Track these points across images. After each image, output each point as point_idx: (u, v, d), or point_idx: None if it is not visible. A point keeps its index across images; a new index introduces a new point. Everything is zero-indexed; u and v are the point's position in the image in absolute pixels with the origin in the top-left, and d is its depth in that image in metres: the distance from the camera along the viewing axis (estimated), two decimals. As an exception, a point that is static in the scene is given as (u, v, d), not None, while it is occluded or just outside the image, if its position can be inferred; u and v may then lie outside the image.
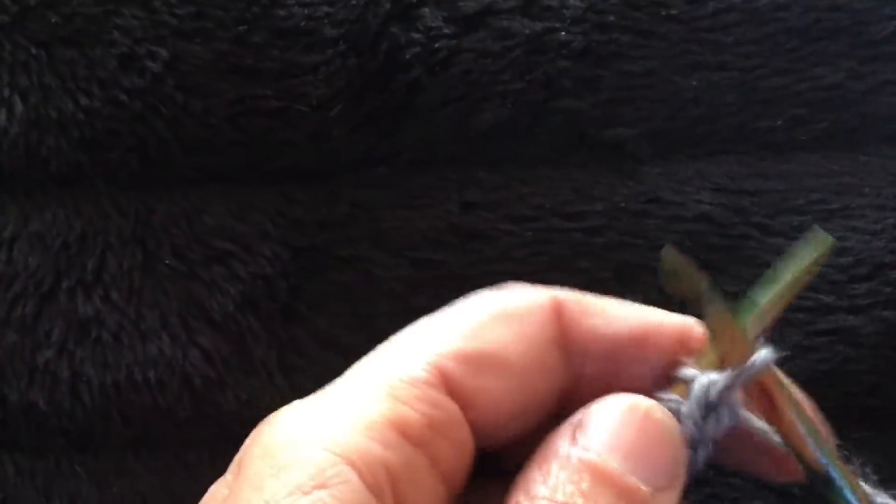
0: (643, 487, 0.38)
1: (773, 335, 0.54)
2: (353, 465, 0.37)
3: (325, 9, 0.62)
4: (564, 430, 0.40)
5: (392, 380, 0.40)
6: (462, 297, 0.56)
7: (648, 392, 0.42)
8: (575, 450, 0.39)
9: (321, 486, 0.36)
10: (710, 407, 0.43)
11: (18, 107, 0.62)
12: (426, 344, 0.42)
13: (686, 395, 0.42)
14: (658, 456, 0.39)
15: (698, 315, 0.43)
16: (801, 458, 0.43)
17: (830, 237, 0.44)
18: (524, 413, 0.43)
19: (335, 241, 0.60)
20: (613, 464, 0.38)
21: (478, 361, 0.41)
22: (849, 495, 0.44)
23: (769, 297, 0.44)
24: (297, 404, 0.41)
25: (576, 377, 0.44)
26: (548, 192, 0.60)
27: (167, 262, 0.61)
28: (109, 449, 0.60)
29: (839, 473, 0.44)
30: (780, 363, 0.42)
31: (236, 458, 0.40)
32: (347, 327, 0.59)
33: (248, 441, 0.40)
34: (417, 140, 0.61)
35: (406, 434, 0.39)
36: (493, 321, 0.42)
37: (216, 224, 0.61)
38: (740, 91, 0.60)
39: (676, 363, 0.43)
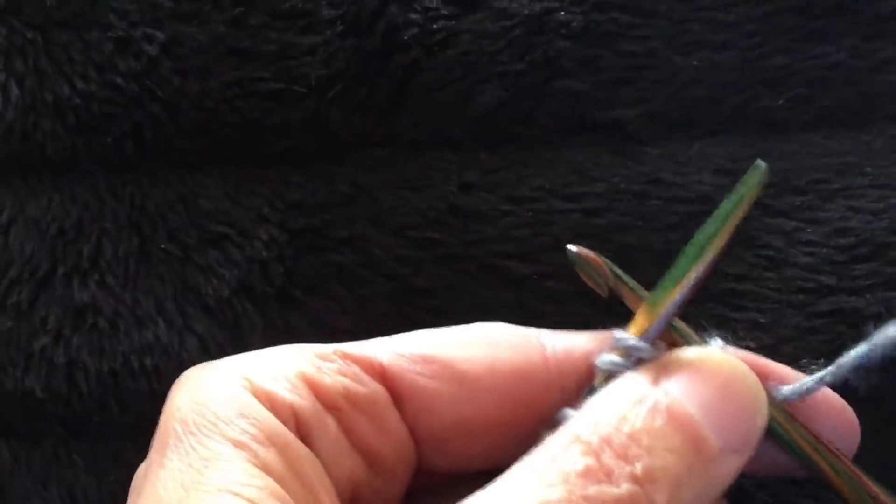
0: (714, 442, 0.38)
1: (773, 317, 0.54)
2: (261, 400, 0.40)
3: (323, -10, 0.61)
4: (645, 374, 0.40)
5: (321, 351, 0.43)
6: (461, 277, 0.56)
7: None
8: (655, 391, 0.39)
9: (238, 416, 0.39)
10: None
11: (14, 91, 0.62)
12: (381, 340, 0.44)
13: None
14: (740, 416, 0.40)
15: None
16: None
17: (764, 165, 0.44)
18: (477, 430, 0.43)
19: (333, 222, 0.59)
20: (692, 409, 0.38)
21: (424, 362, 0.43)
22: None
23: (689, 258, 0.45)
24: (219, 360, 0.43)
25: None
26: (547, 174, 0.59)
27: (163, 246, 0.60)
28: (106, 436, 0.59)
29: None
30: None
31: (164, 407, 0.42)
32: (344, 311, 0.58)
33: (171, 389, 0.43)
34: (416, 121, 0.60)
35: (317, 393, 0.41)
36: (462, 340, 0.44)
37: (212, 207, 0.60)
38: (742, 70, 0.59)
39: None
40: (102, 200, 0.61)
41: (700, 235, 0.45)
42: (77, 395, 0.59)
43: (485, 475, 0.41)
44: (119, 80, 0.61)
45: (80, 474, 0.59)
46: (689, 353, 0.41)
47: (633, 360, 0.42)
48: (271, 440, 0.38)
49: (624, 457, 0.37)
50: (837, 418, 0.46)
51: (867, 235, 0.56)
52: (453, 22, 0.60)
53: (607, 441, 0.37)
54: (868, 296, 0.55)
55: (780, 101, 0.58)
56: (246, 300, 0.59)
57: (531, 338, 0.45)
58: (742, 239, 0.56)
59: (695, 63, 0.59)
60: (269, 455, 0.38)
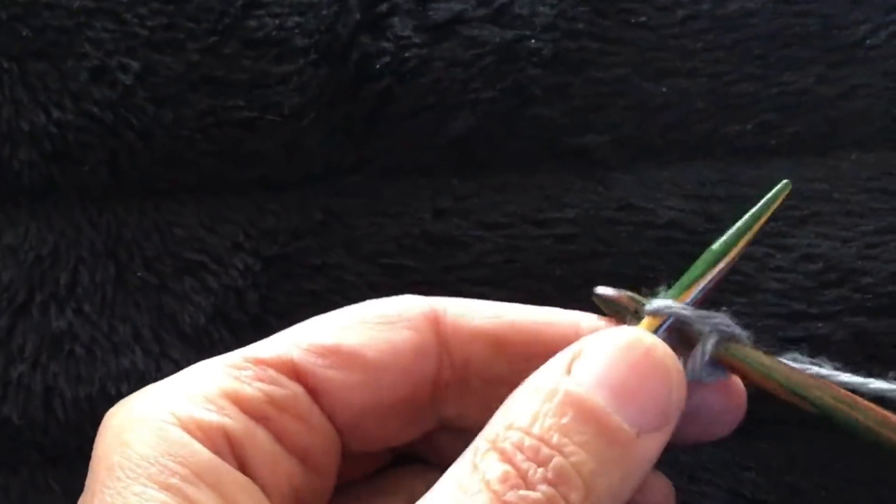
0: (627, 428, 0.38)
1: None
2: (191, 432, 0.38)
3: (296, 19, 0.61)
4: (560, 359, 0.40)
5: (234, 361, 0.42)
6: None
7: None
8: (566, 380, 0.38)
9: (164, 454, 0.37)
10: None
11: (-10, 120, 0.61)
12: (284, 336, 0.44)
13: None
14: (651, 396, 0.39)
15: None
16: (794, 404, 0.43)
17: (788, 183, 0.45)
18: (388, 414, 0.44)
19: (307, 249, 0.59)
20: (600, 399, 0.38)
21: (330, 353, 0.42)
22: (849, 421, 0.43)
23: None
24: (140, 390, 0.42)
25: (460, 385, 0.45)
26: (519, 199, 0.58)
27: (139, 274, 0.59)
28: (83, 463, 0.58)
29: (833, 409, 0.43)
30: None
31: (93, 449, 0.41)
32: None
33: (99, 429, 0.41)
34: (389, 148, 0.60)
35: (243, 406, 0.40)
36: (360, 323, 0.44)
37: (187, 235, 0.60)
38: (710, 97, 0.58)
39: None
40: (79, 228, 0.60)
41: (717, 243, 0.44)
42: (54, 422, 0.59)
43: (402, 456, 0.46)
44: (94, 109, 0.60)
45: (57, 500, 0.58)
46: (601, 334, 0.41)
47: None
48: (201, 477, 0.37)
49: (536, 459, 0.37)
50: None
51: (835, 261, 0.56)
52: (425, 50, 0.60)
53: (519, 446, 0.37)
54: (836, 322, 0.55)
55: (749, 127, 0.58)
56: (222, 327, 0.58)
57: (424, 311, 0.45)
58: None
59: (664, 90, 0.59)
60: (201, 494, 0.37)
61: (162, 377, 0.57)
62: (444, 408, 0.45)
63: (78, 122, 0.61)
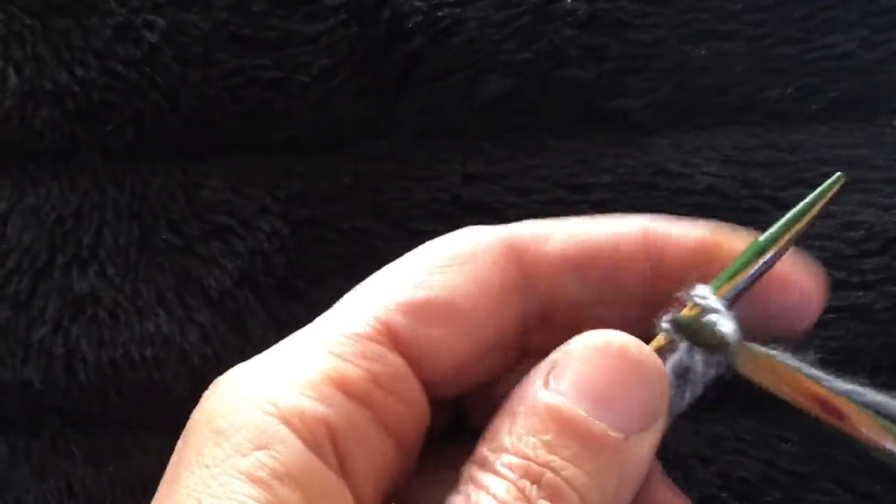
0: (612, 433, 0.37)
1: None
2: (290, 424, 0.36)
3: (326, -23, 0.59)
4: (538, 372, 0.39)
5: (333, 336, 0.39)
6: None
7: (640, 321, 0.41)
8: (545, 394, 0.38)
9: (259, 448, 0.35)
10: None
11: (12, 78, 0.60)
12: (371, 298, 0.41)
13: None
14: (632, 397, 0.38)
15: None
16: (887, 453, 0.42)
17: (841, 175, 0.41)
18: (479, 360, 0.42)
19: (336, 213, 0.57)
20: (580, 410, 0.37)
21: (424, 311, 0.40)
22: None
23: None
24: (238, 368, 0.40)
25: (544, 314, 0.43)
26: (553, 164, 0.57)
27: (164, 237, 0.58)
28: (105, 428, 0.57)
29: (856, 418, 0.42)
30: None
31: (185, 428, 0.39)
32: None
33: (195, 409, 0.39)
34: (420, 111, 0.58)
35: (347, 391, 0.38)
36: (439, 268, 0.41)
37: (214, 198, 0.58)
38: (750, 60, 0.57)
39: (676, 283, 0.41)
40: (102, 189, 0.59)
41: (764, 236, 0.43)
42: (76, 386, 0.57)
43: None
44: (119, 68, 0.59)
45: (78, 466, 0.57)
46: (574, 340, 0.39)
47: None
48: (292, 474, 0.35)
49: (528, 476, 0.36)
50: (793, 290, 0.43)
51: (877, 230, 0.54)
52: (458, 10, 0.58)
53: (509, 466, 0.36)
54: (878, 290, 0.54)
55: (789, 92, 0.57)
56: (248, 291, 0.57)
57: (501, 241, 0.42)
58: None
59: (702, 53, 0.57)
60: (288, 492, 0.35)
61: (186, 342, 0.57)
62: (530, 338, 0.43)
63: (102, 80, 0.59)
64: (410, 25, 0.58)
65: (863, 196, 0.55)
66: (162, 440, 0.56)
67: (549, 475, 0.36)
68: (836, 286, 0.54)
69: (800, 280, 0.43)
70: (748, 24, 0.57)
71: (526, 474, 0.36)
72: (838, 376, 0.42)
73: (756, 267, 0.41)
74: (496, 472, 0.36)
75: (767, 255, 0.41)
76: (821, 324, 0.53)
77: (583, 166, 0.57)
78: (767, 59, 0.57)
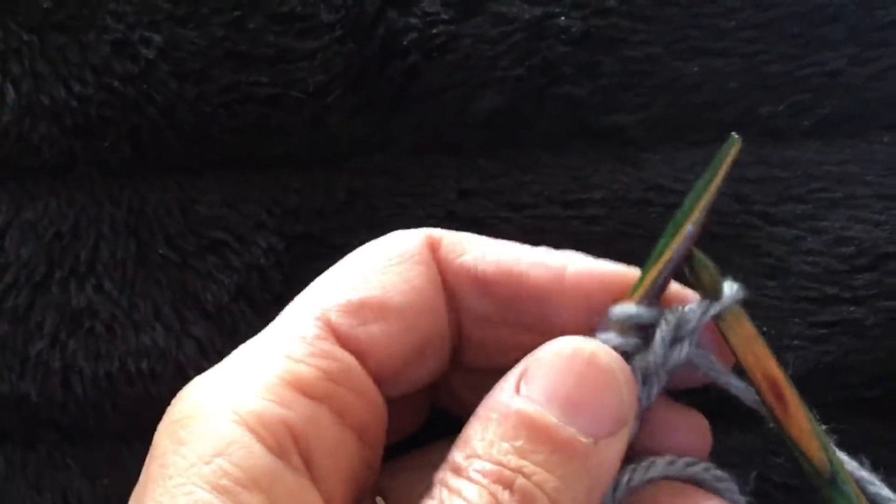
0: (582, 439, 0.38)
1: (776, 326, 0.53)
2: (251, 429, 0.37)
3: (322, -7, 0.59)
4: (509, 379, 0.40)
5: (284, 340, 0.40)
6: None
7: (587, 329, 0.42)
8: (516, 400, 0.38)
9: (220, 454, 0.36)
10: (677, 339, 0.43)
11: (10, 94, 0.59)
12: (314, 301, 0.42)
13: (620, 331, 0.43)
14: (600, 403, 0.39)
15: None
16: (805, 456, 0.42)
17: (737, 138, 0.44)
18: (418, 355, 0.43)
19: (331, 229, 0.57)
20: (550, 416, 0.38)
21: (361, 310, 0.41)
22: (850, 493, 0.42)
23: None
24: (200, 377, 0.41)
25: (472, 315, 0.44)
26: (547, 180, 0.57)
27: (161, 251, 0.58)
28: (101, 441, 0.57)
29: (843, 474, 0.43)
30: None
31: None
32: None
33: (164, 416, 0.40)
34: (415, 127, 0.58)
35: (303, 390, 0.39)
36: (372, 269, 0.43)
37: (210, 213, 0.58)
38: (742, 77, 0.57)
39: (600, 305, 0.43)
40: (100, 204, 0.59)
41: (679, 212, 0.43)
42: (72, 400, 0.57)
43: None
44: (116, 84, 0.59)
45: (74, 478, 0.57)
46: (544, 348, 0.40)
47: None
48: (256, 480, 0.36)
49: (501, 482, 0.37)
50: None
51: (868, 245, 0.54)
52: (453, 27, 0.58)
53: (482, 472, 0.37)
54: (869, 306, 0.54)
55: (781, 108, 0.57)
56: (244, 305, 0.57)
57: (426, 242, 0.45)
58: (743, 246, 0.55)
59: (695, 69, 0.57)
60: (253, 499, 0.36)
61: (183, 356, 0.57)
62: (454, 341, 0.45)
63: (99, 96, 0.59)
64: (405, 42, 0.58)
65: (854, 212, 0.55)
66: (158, 454, 0.57)
67: (520, 480, 0.37)
68: (827, 301, 0.54)
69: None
70: (740, 42, 0.57)
71: (498, 480, 0.36)
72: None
73: (678, 245, 0.44)
74: (469, 478, 0.37)
75: (687, 229, 0.44)
76: (813, 339, 0.54)
77: (577, 182, 0.57)
78: (759, 76, 0.57)
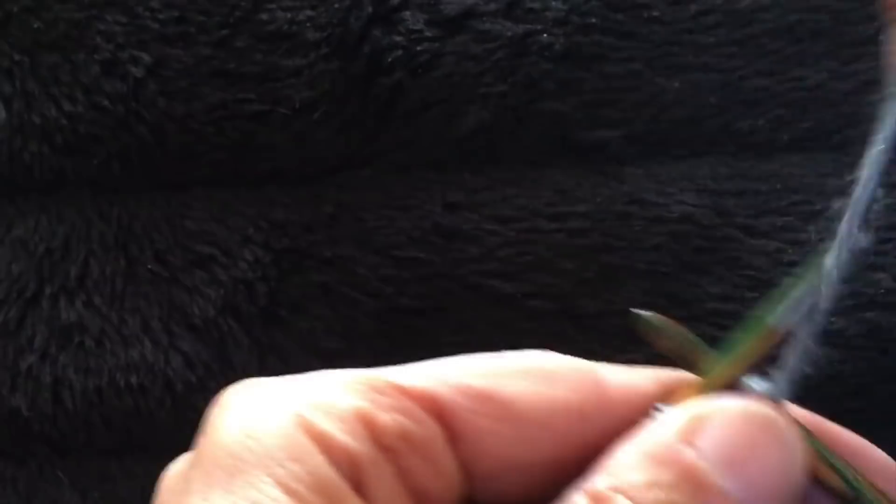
0: None
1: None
2: (321, 445, 0.35)
3: (308, 12, 0.59)
4: (678, 423, 0.36)
5: (374, 382, 0.37)
6: (446, 297, 0.54)
7: None
8: (687, 451, 0.35)
9: (291, 459, 0.34)
10: None
11: (2, 113, 0.60)
12: (432, 369, 0.39)
13: None
14: (772, 478, 0.36)
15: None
16: (824, 486, 0.41)
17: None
18: (528, 470, 0.40)
19: (318, 242, 0.57)
20: (720, 478, 0.35)
21: (482, 400, 0.38)
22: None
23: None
24: (266, 379, 0.38)
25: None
26: (531, 194, 0.57)
27: (149, 267, 0.58)
28: (92, 455, 0.57)
29: (866, 492, 0.41)
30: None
31: (205, 425, 0.36)
32: (329, 330, 0.56)
33: (215, 408, 0.37)
34: (400, 143, 0.58)
35: (373, 433, 0.36)
36: (517, 374, 0.39)
37: (198, 228, 0.58)
38: (722, 92, 0.56)
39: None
40: (89, 221, 0.59)
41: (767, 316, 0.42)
42: (63, 414, 0.57)
43: None
44: (105, 102, 0.59)
45: (65, 492, 0.57)
46: (728, 402, 0.37)
47: None
48: (325, 491, 0.34)
49: None
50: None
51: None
52: (437, 44, 0.58)
53: None
54: (850, 317, 0.54)
55: (761, 122, 0.56)
56: (231, 319, 0.57)
57: (586, 373, 0.41)
58: (724, 259, 0.55)
59: (676, 85, 0.57)
60: None
61: (171, 369, 0.57)
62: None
63: (89, 114, 0.59)
64: (390, 60, 0.58)
65: (835, 224, 0.55)
66: (146, 466, 0.56)
67: None
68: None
69: None
70: (720, 57, 0.57)
71: None
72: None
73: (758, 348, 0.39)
74: None
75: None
76: (794, 349, 0.53)
77: (560, 196, 0.57)
78: (740, 91, 0.57)
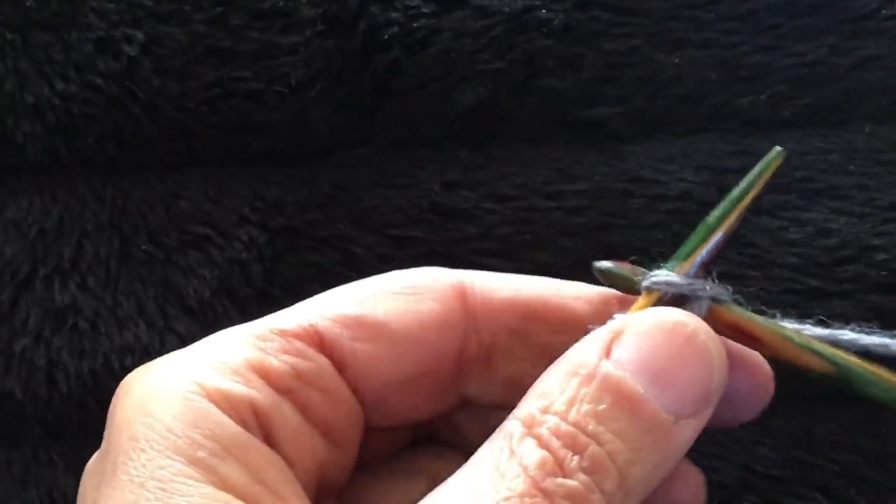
0: (664, 415, 0.36)
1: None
2: (218, 404, 0.36)
3: (303, -11, 0.58)
4: (598, 338, 0.37)
5: (259, 331, 0.39)
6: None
7: None
8: (606, 364, 0.36)
9: (191, 427, 0.35)
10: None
11: (-7, 92, 0.59)
12: (309, 306, 0.41)
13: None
14: (691, 382, 0.37)
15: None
16: (807, 371, 0.40)
17: (781, 150, 0.42)
18: (413, 386, 0.41)
19: (314, 221, 0.56)
20: (639, 386, 0.36)
21: (357, 325, 0.40)
22: (866, 375, 0.40)
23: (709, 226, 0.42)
24: (162, 357, 0.39)
25: (488, 357, 0.42)
26: (529, 172, 0.55)
27: (144, 248, 0.57)
28: (86, 437, 0.56)
29: (851, 364, 0.40)
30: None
31: (109, 413, 0.38)
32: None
33: (116, 394, 0.38)
34: (397, 120, 0.57)
35: (268, 379, 0.38)
36: (386, 294, 0.41)
37: (193, 209, 0.57)
38: (723, 68, 0.55)
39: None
40: (83, 202, 0.58)
41: (711, 215, 0.42)
42: (57, 396, 0.56)
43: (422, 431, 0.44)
44: (99, 81, 0.58)
45: (59, 475, 0.56)
46: (644, 315, 0.38)
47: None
48: (230, 450, 0.35)
49: (573, 446, 0.35)
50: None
51: (851, 238, 0.53)
52: (434, 20, 0.57)
53: (556, 432, 0.35)
54: (854, 299, 0.53)
55: (762, 99, 0.55)
56: (227, 300, 0.56)
57: (450, 284, 0.42)
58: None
59: (676, 61, 0.56)
60: (230, 469, 0.34)
61: (166, 351, 0.55)
62: (466, 384, 0.43)
63: (82, 94, 0.58)
64: (387, 37, 0.57)
65: (837, 203, 0.54)
66: (141, 449, 0.55)
67: (594, 447, 0.35)
68: (812, 294, 0.53)
69: (754, 367, 0.42)
70: (721, 33, 0.56)
71: (572, 443, 0.35)
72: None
73: (706, 248, 0.41)
74: (539, 438, 0.35)
75: (717, 235, 0.41)
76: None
77: (559, 174, 0.56)
78: (740, 66, 0.56)
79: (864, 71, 0.55)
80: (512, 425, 0.36)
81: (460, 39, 0.57)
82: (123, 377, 0.55)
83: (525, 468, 0.34)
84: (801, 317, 0.52)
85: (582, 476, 0.34)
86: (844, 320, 0.52)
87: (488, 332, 0.42)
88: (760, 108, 0.55)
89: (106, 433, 0.37)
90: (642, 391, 0.36)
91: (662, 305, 0.40)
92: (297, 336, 0.39)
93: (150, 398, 0.36)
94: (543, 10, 0.56)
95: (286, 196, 0.57)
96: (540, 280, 0.43)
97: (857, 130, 0.55)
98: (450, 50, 0.57)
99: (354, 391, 0.40)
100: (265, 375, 0.38)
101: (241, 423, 0.36)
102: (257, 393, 0.37)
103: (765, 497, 0.52)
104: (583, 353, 0.37)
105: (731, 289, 0.41)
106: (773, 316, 0.42)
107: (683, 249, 0.42)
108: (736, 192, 0.42)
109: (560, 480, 0.34)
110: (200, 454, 0.34)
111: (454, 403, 0.43)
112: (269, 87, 0.57)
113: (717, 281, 0.41)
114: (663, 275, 0.41)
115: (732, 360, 0.40)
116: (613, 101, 0.56)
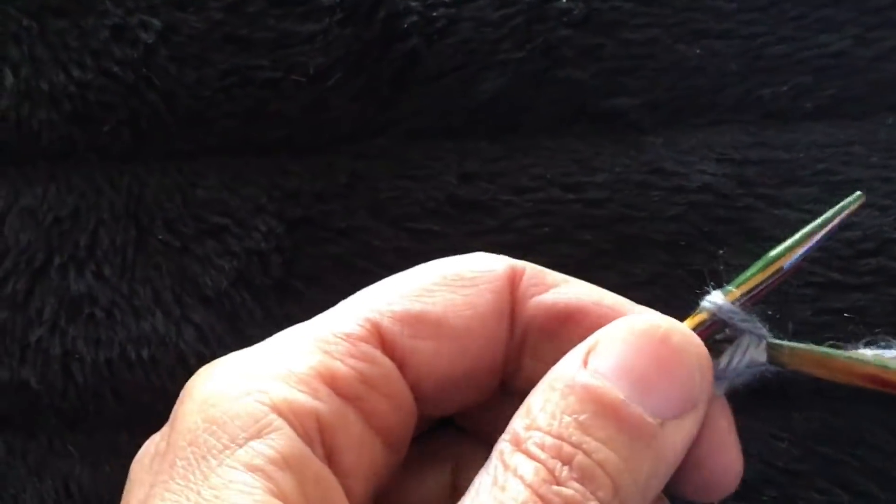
0: (649, 419, 0.36)
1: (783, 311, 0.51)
2: (283, 414, 0.35)
3: (322, -23, 0.57)
4: (577, 351, 0.37)
5: (323, 334, 0.39)
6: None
7: None
8: (583, 374, 0.36)
9: (254, 437, 0.35)
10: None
11: (9, 79, 0.58)
12: (366, 303, 0.40)
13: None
14: (672, 382, 0.37)
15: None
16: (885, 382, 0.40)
17: (860, 195, 0.42)
18: (467, 379, 0.41)
19: (332, 212, 0.55)
20: (619, 393, 0.36)
21: (417, 322, 0.39)
22: None
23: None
24: (227, 358, 0.39)
25: (520, 350, 0.42)
26: (548, 163, 0.55)
27: (160, 237, 0.56)
28: (102, 428, 0.55)
29: None
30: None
31: (172, 412, 0.38)
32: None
33: (182, 394, 0.38)
34: (416, 110, 0.56)
35: (335, 387, 0.37)
36: (441, 286, 0.41)
37: (210, 197, 0.56)
38: (744, 59, 0.54)
39: None
40: (99, 190, 0.57)
41: (776, 250, 0.42)
42: (73, 386, 0.55)
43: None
44: (115, 68, 0.57)
45: (74, 465, 0.55)
46: (617, 323, 0.38)
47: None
48: (288, 462, 0.34)
49: (560, 457, 0.35)
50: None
51: (873, 231, 0.52)
52: (454, 9, 0.56)
53: (541, 446, 0.35)
54: (875, 293, 0.52)
55: (783, 90, 0.54)
56: (244, 291, 0.55)
57: (507, 272, 0.42)
58: (746, 229, 0.53)
59: (697, 52, 0.55)
60: (286, 480, 0.34)
61: (182, 341, 0.55)
62: (506, 371, 0.42)
63: (98, 81, 0.57)
64: (406, 25, 0.56)
65: (858, 195, 0.53)
66: (158, 440, 0.55)
67: (580, 457, 0.35)
68: (833, 287, 0.52)
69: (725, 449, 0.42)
70: (742, 24, 0.55)
71: (558, 455, 0.35)
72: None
73: (766, 277, 0.41)
74: (527, 452, 0.35)
75: (779, 266, 0.41)
76: (819, 325, 0.52)
77: (578, 165, 0.55)
78: (761, 57, 0.55)
79: (887, 62, 0.54)
80: (502, 446, 0.36)
81: (480, 29, 0.56)
82: (139, 367, 0.55)
83: (522, 478, 0.34)
84: (818, 312, 0.52)
85: (575, 485, 0.34)
86: (864, 312, 0.52)
87: (521, 327, 0.41)
88: (782, 100, 0.55)
89: (167, 430, 0.37)
90: (623, 397, 0.36)
91: (703, 331, 0.40)
92: (362, 339, 0.39)
93: (213, 404, 0.36)
94: (563, 0, 0.56)
95: (304, 186, 0.56)
96: (585, 286, 0.42)
97: (879, 122, 0.54)
98: (469, 39, 0.56)
99: (412, 389, 0.40)
100: (332, 383, 0.37)
101: (305, 435, 0.36)
102: (322, 404, 0.37)
103: (785, 492, 0.51)
104: (561, 367, 0.37)
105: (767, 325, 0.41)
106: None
107: (740, 278, 0.42)
108: (806, 228, 0.42)
109: (556, 488, 0.34)
110: (259, 462, 0.34)
111: (497, 392, 0.43)
112: (286, 76, 0.56)
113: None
114: (715, 297, 0.41)
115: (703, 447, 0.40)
116: (634, 92, 0.55)
